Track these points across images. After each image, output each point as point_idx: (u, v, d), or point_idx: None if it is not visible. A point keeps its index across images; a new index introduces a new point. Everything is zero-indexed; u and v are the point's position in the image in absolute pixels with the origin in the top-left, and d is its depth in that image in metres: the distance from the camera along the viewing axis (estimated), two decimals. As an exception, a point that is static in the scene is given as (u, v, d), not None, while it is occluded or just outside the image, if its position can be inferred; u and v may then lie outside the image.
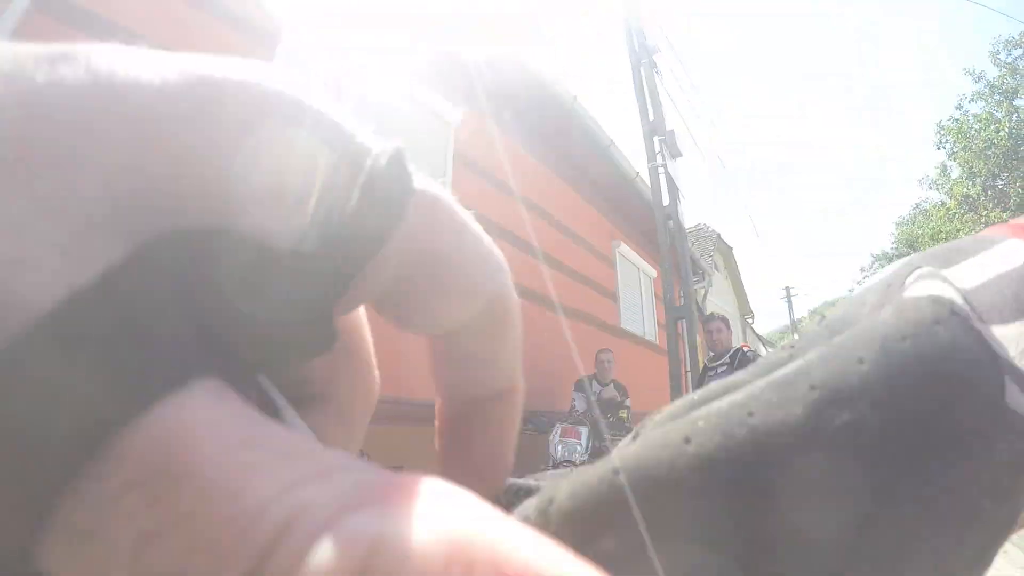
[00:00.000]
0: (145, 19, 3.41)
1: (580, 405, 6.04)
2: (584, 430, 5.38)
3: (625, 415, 5.88)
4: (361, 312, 0.26)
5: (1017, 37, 27.21)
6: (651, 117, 7.39)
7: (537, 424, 5.43)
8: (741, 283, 27.70)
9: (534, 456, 5.78)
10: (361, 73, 4.70)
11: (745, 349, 4.71)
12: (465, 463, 0.26)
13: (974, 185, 28.81)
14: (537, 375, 6.41)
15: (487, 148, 6.26)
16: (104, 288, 0.13)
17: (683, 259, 7.16)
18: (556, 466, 5.16)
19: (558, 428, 5.43)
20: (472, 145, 5.92)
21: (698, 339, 7.26)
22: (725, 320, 4.95)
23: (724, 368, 4.66)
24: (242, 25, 3.95)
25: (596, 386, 6.19)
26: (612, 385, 6.17)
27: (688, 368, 7.12)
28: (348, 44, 4.58)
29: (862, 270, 55.26)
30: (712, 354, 4.86)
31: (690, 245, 9.32)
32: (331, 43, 4.49)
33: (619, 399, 5.98)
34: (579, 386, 6.21)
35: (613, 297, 9.35)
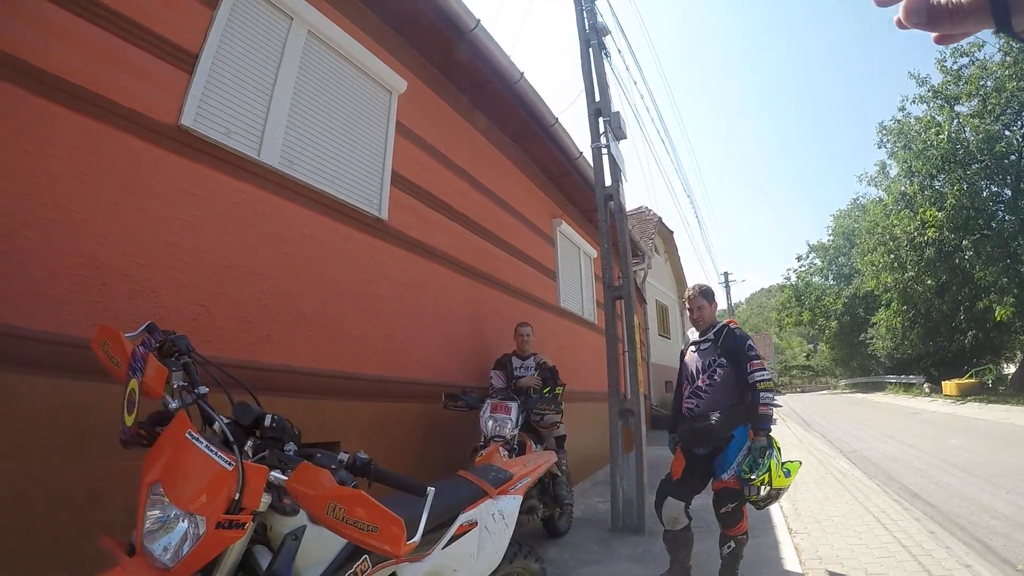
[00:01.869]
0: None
1: (497, 382, 6.09)
2: (514, 405, 5.41)
3: (560, 391, 5.93)
4: None
5: (965, 46, 27.95)
6: (597, 98, 7.38)
7: (468, 400, 5.43)
8: (681, 267, 28.21)
9: (466, 432, 5.79)
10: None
11: (732, 326, 4.47)
12: None
13: (911, 184, 29.59)
14: (469, 352, 6.41)
15: (430, 119, 6.19)
16: None
17: (623, 240, 7.20)
18: (487, 441, 5.19)
19: (488, 403, 5.46)
20: (415, 115, 5.84)
21: (636, 319, 7.33)
22: (707, 294, 4.60)
23: (707, 345, 4.45)
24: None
25: (516, 361, 6.22)
26: (532, 359, 6.20)
27: (626, 348, 7.19)
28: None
29: (798, 258, 56.66)
30: (697, 332, 4.67)
31: (631, 227, 9.38)
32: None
33: (540, 378, 6.01)
34: (498, 364, 6.23)
35: (552, 276, 9.38)
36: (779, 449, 4.12)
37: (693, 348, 4.58)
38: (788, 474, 4.05)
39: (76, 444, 2.75)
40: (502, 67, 6.47)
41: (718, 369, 4.31)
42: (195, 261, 3.53)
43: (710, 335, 4.49)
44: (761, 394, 4.08)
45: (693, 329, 4.73)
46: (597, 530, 6.25)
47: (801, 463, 4.32)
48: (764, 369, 4.21)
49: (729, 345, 4.32)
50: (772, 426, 4.11)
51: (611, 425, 6.63)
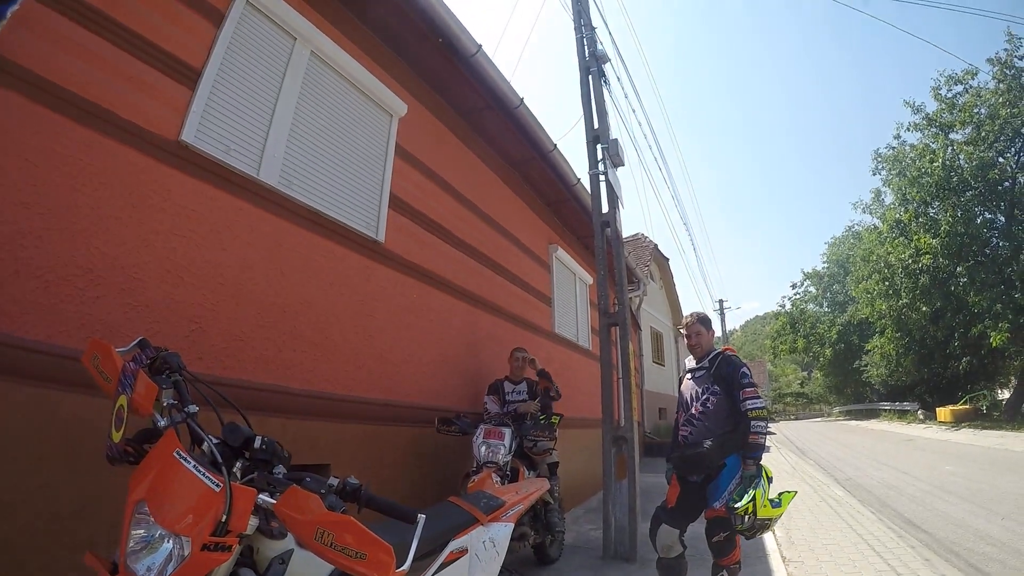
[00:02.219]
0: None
1: (492, 407, 6.05)
2: (507, 431, 5.38)
3: (556, 420, 5.89)
4: None
5: (959, 74, 28.35)
6: (596, 125, 7.43)
7: (461, 425, 5.40)
8: (676, 294, 28.23)
9: (458, 457, 5.74)
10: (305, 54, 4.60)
11: (728, 352, 4.44)
12: None
13: (906, 211, 29.79)
14: (463, 376, 6.38)
15: (429, 143, 6.21)
16: None
17: (619, 266, 7.21)
18: (480, 467, 5.15)
19: (481, 429, 5.43)
20: (414, 138, 5.86)
21: (630, 346, 7.31)
22: (704, 321, 4.62)
23: (702, 372, 4.43)
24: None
25: (509, 385, 6.19)
26: (524, 383, 6.17)
27: (620, 375, 7.16)
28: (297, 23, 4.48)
29: (793, 286, 56.93)
30: (694, 359, 4.64)
31: (627, 254, 9.40)
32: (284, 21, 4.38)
33: (540, 403, 5.99)
34: (491, 389, 6.21)
35: (548, 301, 9.37)
36: (769, 479, 4.07)
37: (689, 376, 4.55)
38: (778, 504, 3.96)
39: (64, 457, 2.71)
40: (502, 92, 6.50)
41: (711, 397, 4.29)
42: (191, 277, 3.52)
43: (705, 362, 4.45)
44: (753, 423, 4.05)
45: (691, 357, 4.71)
46: (588, 558, 6.19)
47: (796, 493, 4.28)
48: (758, 397, 4.17)
49: (723, 372, 4.29)
50: (764, 454, 4.08)
51: (604, 452, 6.59)
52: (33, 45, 2.83)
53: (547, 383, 6.18)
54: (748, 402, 4.11)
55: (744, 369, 4.30)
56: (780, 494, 4.04)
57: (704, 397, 4.32)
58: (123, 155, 3.21)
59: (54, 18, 2.94)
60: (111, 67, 3.20)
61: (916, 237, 28.41)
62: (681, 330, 4.67)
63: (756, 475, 3.97)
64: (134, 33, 3.33)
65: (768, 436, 4.15)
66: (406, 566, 1.70)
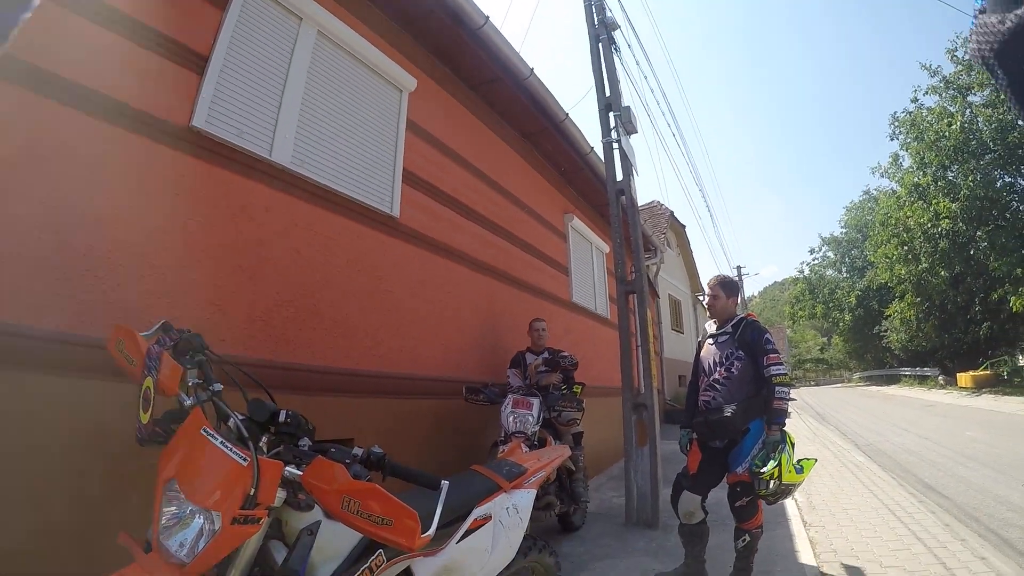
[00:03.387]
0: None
1: (514, 381, 6.04)
2: (536, 401, 5.38)
3: (579, 390, 5.88)
4: None
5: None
6: (607, 93, 7.36)
7: (489, 394, 5.42)
8: (693, 262, 28.11)
9: (481, 428, 5.79)
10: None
11: (751, 318, 4.44)
12: None
13: (924, 175, 29.32)
14: (483, 348, 6.41)
15: (441, 117, 6.19)
16: None
17: (635, 234, 7.19)
18: (508, 437, 5.18)
19: (510, 399, 5.43)
20: (425, 113, 5.85)
21: (648, 314, 7.31)
22: (726, 284, 4.59)
23: (725, 337, 4.40)
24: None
25: (531, 356, 6.19)
26: (546, 352, 6.14)
27: (639, 342, 7.17)
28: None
29: (811, 251, 56.55)
30: (716, 322, 4.63)
31: (643, 221, 9.35)
32: None
33: (559, 373, 5.95)
34: (514, 362, 6.21)
35: (565, 271, 9.38)
36: (793, 444, 4.08)
37: (711, 341, 4.54)
38: (801, 471, 3.99)
39: (94, 443, 2.77)
40: (512, 64, 6.46)
41: (735, 362, 4.28)
42: (209, 261, 3.56)
43: (728, 328, 4.44)
44: (776, 388, 4.05)
45: (711, 322, 4.70)
46: (611, 524, 6.25)
47: (816, 460, 4.29)
48: (781, 363, 4.18)
49: (747, 337, 4.28)
50: (786, 420, 4.09)
51: (625, 420, 6.62)
52: (37, 38, 2.83)
53: (568, 376, 6.10)
54: (772, 368, 4.11)
55: (768, 335, 4.30)
56: (800, 460, 4.05)
57: (728, 362, 4.31)
58: (136, 144, 3.23)
59: (56, 11, 2.94)
60: (118, 58, 3.21)
61: (935, 201, 27.99)
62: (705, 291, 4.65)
63: (781, 441, 3.98)
64: (138, 23, 3.33)
65: (790, 402, 4.16)
66: (431, 531, 1.74)
